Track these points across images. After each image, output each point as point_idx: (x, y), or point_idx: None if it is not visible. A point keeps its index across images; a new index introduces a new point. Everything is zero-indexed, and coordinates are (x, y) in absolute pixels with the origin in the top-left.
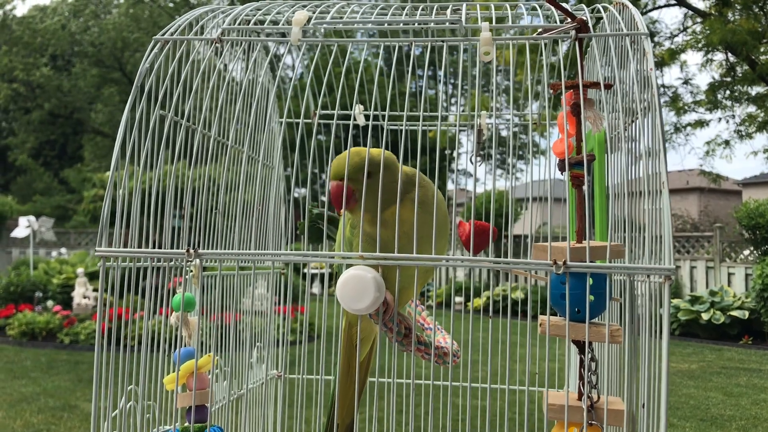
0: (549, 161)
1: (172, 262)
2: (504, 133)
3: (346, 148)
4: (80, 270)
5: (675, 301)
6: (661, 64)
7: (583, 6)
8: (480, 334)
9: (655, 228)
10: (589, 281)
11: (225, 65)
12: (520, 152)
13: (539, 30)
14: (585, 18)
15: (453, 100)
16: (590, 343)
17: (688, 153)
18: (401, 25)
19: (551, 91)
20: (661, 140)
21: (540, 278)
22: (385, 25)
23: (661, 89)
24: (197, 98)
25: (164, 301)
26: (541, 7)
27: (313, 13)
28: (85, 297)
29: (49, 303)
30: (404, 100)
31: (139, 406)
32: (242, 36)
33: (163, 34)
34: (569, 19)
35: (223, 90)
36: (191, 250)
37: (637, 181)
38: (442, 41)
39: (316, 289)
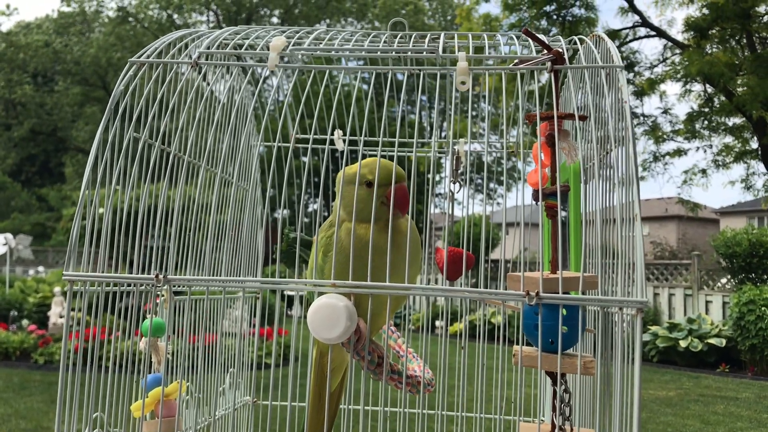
0: (525, 188)
1: (142, 287)
2: (484, 159)
3: (325, 170)
4: (57, 289)
5: (653, 328)
6: (641, 93)
7: (560, 38)
8: (456, 359)
9: (628, 258)
10: (563, 312)
11: (202, 89)
12: (501, 178)
13: (515, 61)
14: (561, 50)
15: (436, 126)
16: (564, 375)
17: (666, 181)
18: (378, 53)
19: (527, 122)
20: (635, 171)
21: (514, 308)
22: (363, 53)
23: (641, 118)
24: (173, 121)
25: (135, 325)
26: (518, 38)
27: (292, 39)
28: (61, 316)
29: (25, 322)
30: (387, 126)
31: None
32: (220, 60)
33: (139, 57)
34: (545, 51)
35: (199, 112)
36: (160, 276)
37: (611, 211)
38: (420, 70)
39: (296, 311)
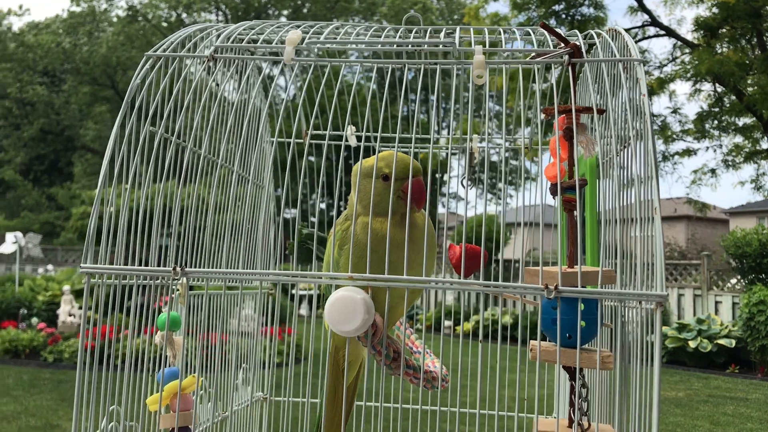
0: (539, 186)
1: (159, 281)
2: (495, 158)
3: (338, 169)
4: (66, 287)
5: (662, 329)
6: (650, 93)
7: (576, 32)
8: (469, 358)
9: (646, 254)
10: (580, 306)
11: (217, 83)
12: (511, 177)
13: (532, 54)
14: (578, 43)
15: (444, 124)
16: (581, 369)
17: (675, 181)
18: (394, 46)
19: (544, 115)
20: (654, 167)
21: (531, 302)
22: (378, 46)
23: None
24: (188, 115)
25: (150, 320)
26: (534, 32)
27: (307, 33)
28: (70, 315)
29: (34, 320)
30: (396, 123)
31: (121, 426)
32: (235, 54)
33: (155, 51)
34: (562, 44)
35: (214, 108)
36: (177, 268)
37: (628, 207)
38: (435, 64)
39: (303, 311)
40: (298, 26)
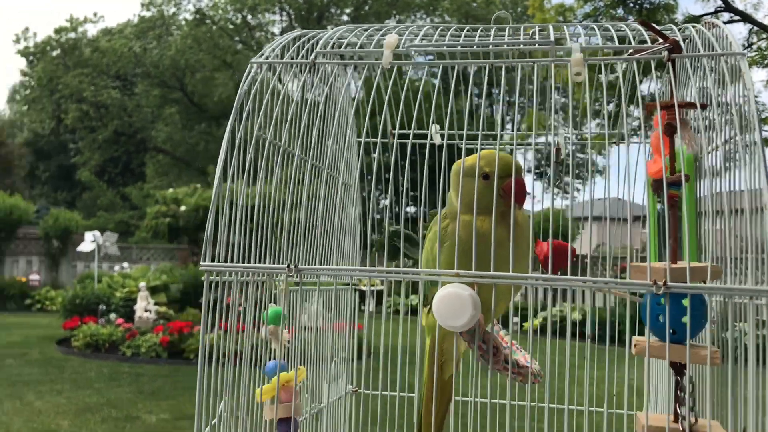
0: (623, 180)
1: (273, 277)
2: (572, 150)
3: (409, 166)
4: (142, 284)
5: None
6: (724, 80)
7: (672, 26)
8: (547, 355)
9: (755, 248)
10: (686, 303)
11: (320, 89)
12: (577, 171)
13: (630, 51)
14: (677, 38)
15: (508, 118)
16: (685, 365)
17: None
18: (490, 47)
19: (646, 111)
20: (763, 160)
21: (636, 299)
22: (474, 47)
23: (725, 107)
24: (292, 121)
25: (255, 316)
26: (628, 26)
27: (402, 35)
28: (146, 310)
29: (112, 316)
30: (477, 120)
31: (232, 418)
32: (334, 60)
33: (258, 58)
34: (660, 40)
35: (318, 114)
36: (291, 266)
37: (733, 199)
38: (534, 62)
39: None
40: (394, 29)
